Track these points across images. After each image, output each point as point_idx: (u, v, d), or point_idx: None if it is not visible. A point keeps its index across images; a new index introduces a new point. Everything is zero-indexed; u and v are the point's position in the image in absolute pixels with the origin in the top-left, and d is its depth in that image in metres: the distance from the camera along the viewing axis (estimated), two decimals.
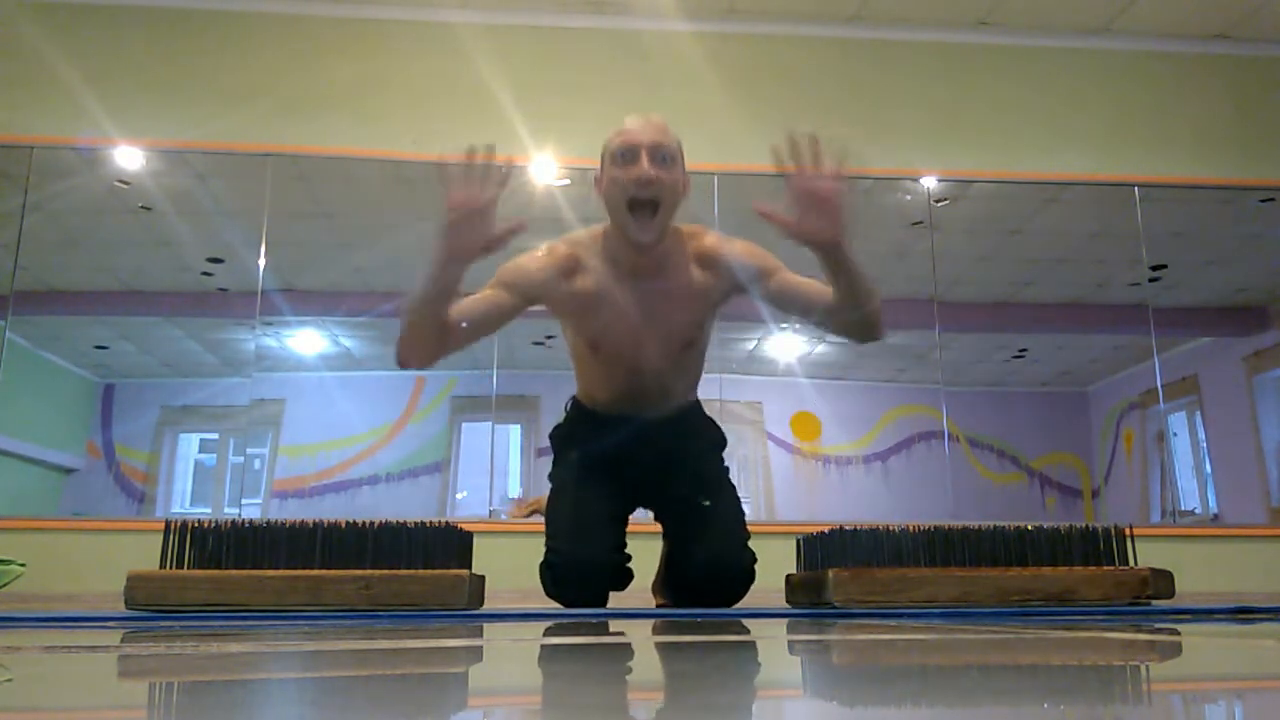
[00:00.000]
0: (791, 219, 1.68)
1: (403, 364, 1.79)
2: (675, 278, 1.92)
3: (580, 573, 1.92)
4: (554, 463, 2.14)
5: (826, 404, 4.71)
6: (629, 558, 2.02)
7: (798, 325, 4.65)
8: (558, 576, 1.93)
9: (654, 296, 1.92)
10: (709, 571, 1.96)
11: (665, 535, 2.14)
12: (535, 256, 1.92)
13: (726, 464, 2.17)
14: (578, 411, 2.13)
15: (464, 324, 1.79)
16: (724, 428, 2.21)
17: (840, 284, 1.77)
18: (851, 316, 1.82)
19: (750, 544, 2.00)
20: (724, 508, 2.05)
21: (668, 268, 1.92)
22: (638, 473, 2.05)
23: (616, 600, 2.11)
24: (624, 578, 2.01)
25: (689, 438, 2.11)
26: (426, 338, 1.76)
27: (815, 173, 1.67)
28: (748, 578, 1.97)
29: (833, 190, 1.67)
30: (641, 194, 1.80)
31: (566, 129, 4.32)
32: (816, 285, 1.87)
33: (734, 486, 2.11)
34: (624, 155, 1.83)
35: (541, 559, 1.97)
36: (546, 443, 2.20)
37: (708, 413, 2.20)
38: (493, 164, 1.67)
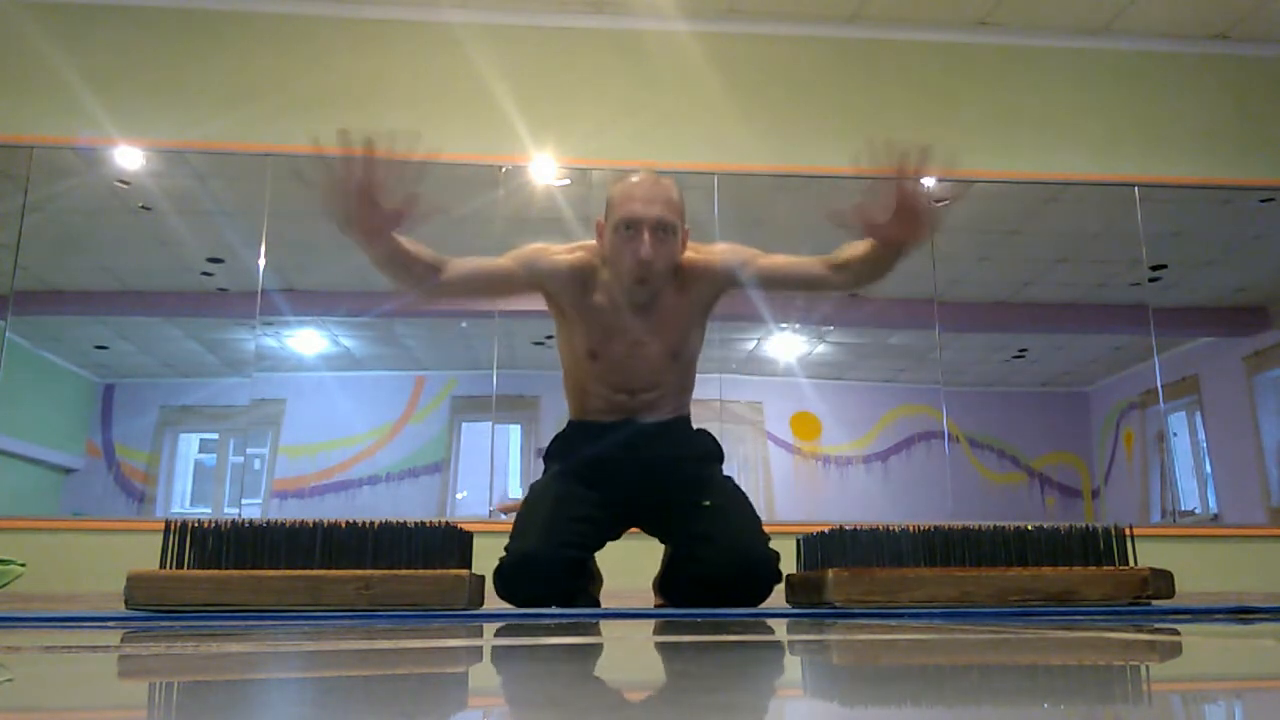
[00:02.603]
0: (876, 220, 1.84)
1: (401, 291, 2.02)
2: (669, 293, 2.03)
3: (524, 570, 1.85)
4: (542, 474, 2.14)
5: (826, 404, 4.71)
6: (586, 557, 1.96)
7: (797, 325, 4.65)
8: (504, 574, 1.87)
9: (650, 310, 2.01)
10: (733, 568, 1.88)
11: (673, 543, 2.07)
12: (563, 249, 2.04)
13: (728, 474, 2.15)
14: (570, 427, 2.13)
15: (463, 274, 1.97)
16: (724, 428, 2.21)
17: (882, 264, 1.96)
18: (871, 276, 2.00)
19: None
20: (736, 506, 2.00)
21: (664, 287, 2.03)
22: (630, 486, 2.00)
23: (616, 600, 2.11)
24: (578, 576, 1.93)
25: (681, 446, 2.08)
26: (396, 273, 1.93)
27: (909, 177, 1.82)
28: (773, 573, 1.89)
29: (921, 195, 1.84)
30: (642, 273, 1.94)
31: (566, 129, 4.32)
32: (803, 259, 2.04)
33: (743, 491, 2.07)
34: (628, 227, 1.93)
35: None
36: (546, 443, 2.19)
37: (704, 428, 2.18)
38: (370, 153, 1.75)
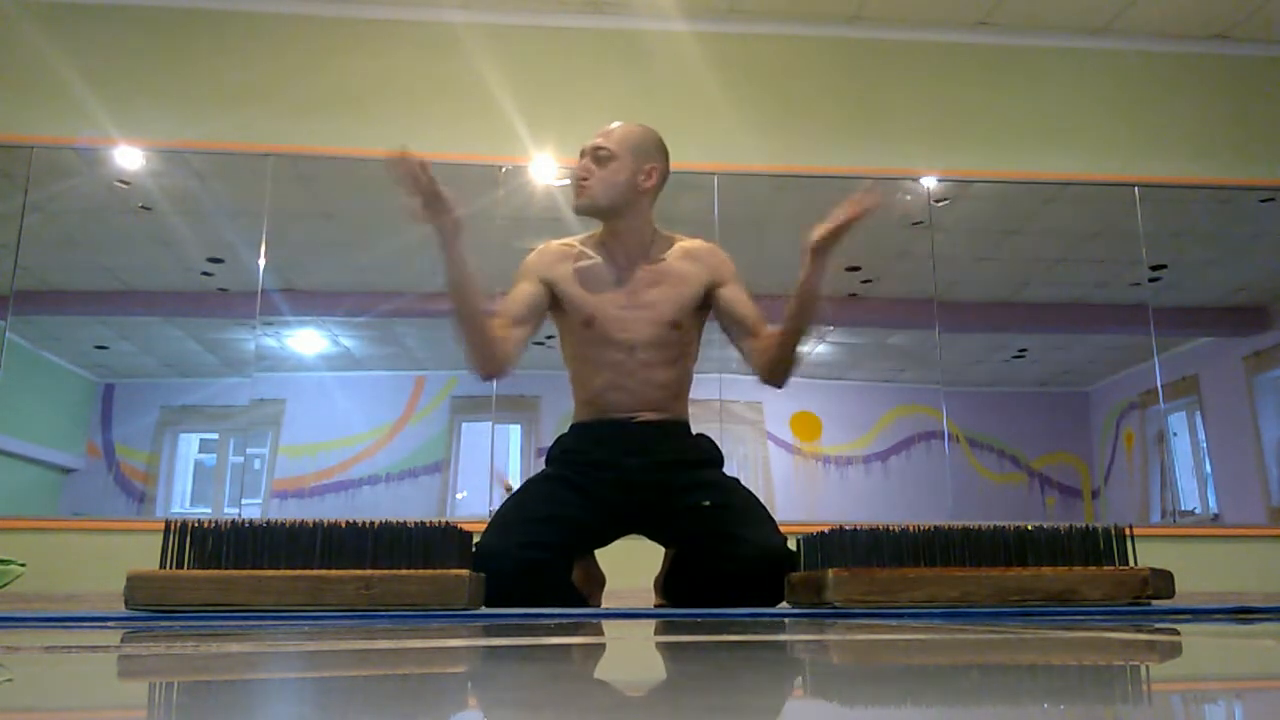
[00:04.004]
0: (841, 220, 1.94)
1: (483, 376, 2.01)
2: (661, 263, 2.14)
3: (481, 568, 1.77)
4: None
5: (826, 404, 4.71)
6: (548, 559, 1.88)
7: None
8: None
9: (643, 277, 2.11)
10: (764, 564, 1.85)
11: (685, 545, 2.03)
12: (538, 248, 2.20)
13: (733, 476, 2.14)
14: (570, 431, 2.13)
15: (512, 321, 2.04)
16: (724, 428, 2.21)
17: (800, 323, 1.99)
18: (779, 356, 2.03)
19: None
20: (754, 505, 2.00)
21: (653, 255, 2.14)
22: (629, 488, 1.99)
23: (616, 600, 2.11)
24: (541, 576, 1.86)
25: (681, 450, 2.08)
26: (481, 339, 1.97)
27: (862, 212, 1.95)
28: (794, 569, 1.85)
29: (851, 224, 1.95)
30: (575, 185, 2.13)
31: (566, 129, 4.32)
32: (758, 315, 2.11)
33: (750, 490, 2.06)
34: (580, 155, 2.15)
35: None
36: (546, 443, 2.20)
37: (703, 433, 2.17)
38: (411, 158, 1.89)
